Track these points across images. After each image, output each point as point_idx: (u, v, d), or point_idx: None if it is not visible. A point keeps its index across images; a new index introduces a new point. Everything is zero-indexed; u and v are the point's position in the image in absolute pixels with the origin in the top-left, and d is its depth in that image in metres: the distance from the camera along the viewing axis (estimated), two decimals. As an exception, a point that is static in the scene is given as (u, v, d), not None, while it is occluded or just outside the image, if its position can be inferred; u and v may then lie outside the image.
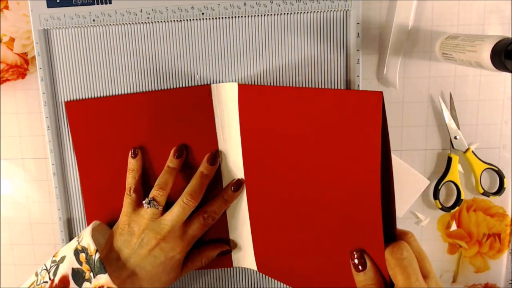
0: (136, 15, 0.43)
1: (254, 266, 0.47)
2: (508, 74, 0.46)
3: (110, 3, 0.43)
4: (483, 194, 0.48)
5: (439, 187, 0.48)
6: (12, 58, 0.48)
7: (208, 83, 0.45)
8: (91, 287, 0.38)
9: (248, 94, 0.42)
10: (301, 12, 0.43)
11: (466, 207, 0.50)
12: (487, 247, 0.50)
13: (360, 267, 0.35)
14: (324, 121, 0.36)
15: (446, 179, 0.47)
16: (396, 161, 0.48)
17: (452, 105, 0.47)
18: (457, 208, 0.48)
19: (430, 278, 0.33)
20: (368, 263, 0.35)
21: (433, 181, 0.49)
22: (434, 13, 0.46)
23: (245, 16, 0.44)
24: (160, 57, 0.45)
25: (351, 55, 0.44)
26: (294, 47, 0.44)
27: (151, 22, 0.44)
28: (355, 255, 0.35)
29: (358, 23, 0.43)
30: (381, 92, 0.31)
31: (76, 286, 0.39)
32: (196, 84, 0.45)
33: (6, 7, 0.47)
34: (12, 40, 0.48)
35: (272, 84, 0.45)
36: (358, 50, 0.43)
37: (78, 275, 0.39)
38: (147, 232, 0.41)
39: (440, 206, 0.48)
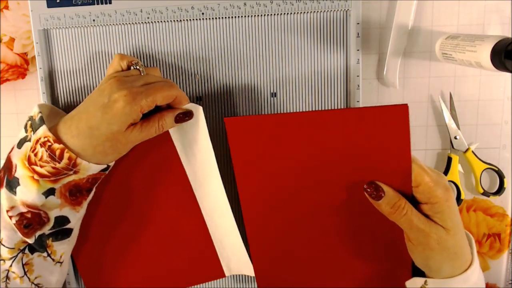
0: (136, 15, 0.43)
1: (248, 272, 0.45)
2: (508, 74, 0.46)
3: (110, 3, 0.43)
4: (483, 194, 0.48)
5: (439, 187, 0.48)
6: (12, 58, 0.48)
7: (208, 83, 0.45)
8: (30, 144, 0.37)
9: (240, 127, 0.38)
10: (301, 12, 0.43)
11: (466, 207, 0.49)
12: (487, 247, 0.50)
13: (382, 194, 0.36)
14: (344, 141, 0.36)
15: (446, 179, 0.47)
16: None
17: (452, 105, 0.47)
18: (457, 208, 0.48)
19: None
20: (383, 186, 0.37)
21: (433, 181, 0.49)
22: (434, 13, 0.46)
23: (245, 16, 0.44)
24: (160, 57, 0.45)
25: (351, 55, 0.44)
26: (294, 47, 0.44)
27: (151, 22, 0.44)
28: (369, 189, 0.37)
29: (358, 23, 0.43)
30: (407, 105, 0.33)
31: (17, 149, 0.38)
32: (195, 84, 0.45)
33: (6, 7, 0.47)
34: (12, 40, 0.48)
35: (273, 84, 0.45)
36: (358, 50, 0.43)
37: (21, 141, 0.39)
38: (112, 81, 0.38)
39: (440, 206, 0.48)
